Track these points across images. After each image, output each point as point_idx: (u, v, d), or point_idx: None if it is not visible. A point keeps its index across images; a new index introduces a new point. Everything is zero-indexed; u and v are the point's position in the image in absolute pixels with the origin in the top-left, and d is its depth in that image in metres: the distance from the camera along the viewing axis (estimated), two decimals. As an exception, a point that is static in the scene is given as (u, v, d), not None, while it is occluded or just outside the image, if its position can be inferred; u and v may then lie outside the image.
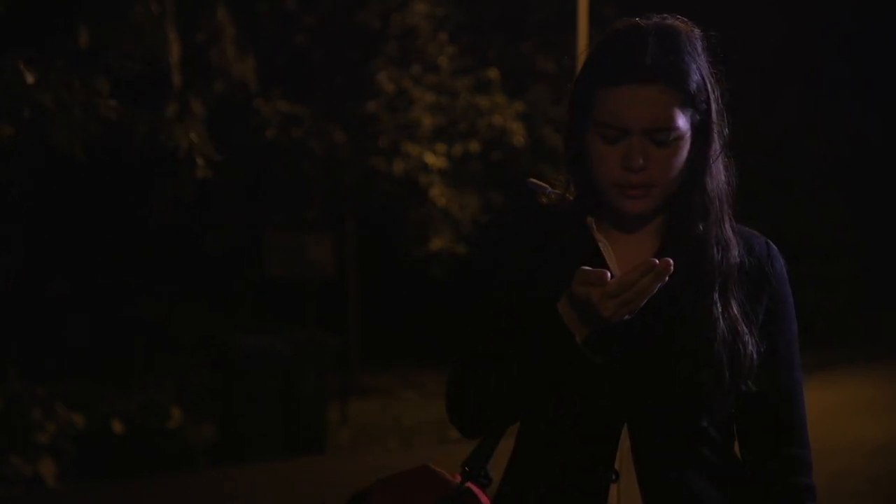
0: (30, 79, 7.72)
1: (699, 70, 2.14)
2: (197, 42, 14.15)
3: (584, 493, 2.17)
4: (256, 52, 14.85)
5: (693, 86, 2.12)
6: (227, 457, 11.57)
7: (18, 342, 12.93)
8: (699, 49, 2.16)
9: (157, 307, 15.41)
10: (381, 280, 18.04)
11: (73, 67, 8.37)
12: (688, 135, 2.14)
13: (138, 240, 15.44)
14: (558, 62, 16.20)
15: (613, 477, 2.17)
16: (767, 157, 20.72)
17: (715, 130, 2.17)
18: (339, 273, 14.76)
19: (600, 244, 2.21)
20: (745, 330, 2.17)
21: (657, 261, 1.99)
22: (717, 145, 2.18)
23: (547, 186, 2.30)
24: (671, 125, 2.10)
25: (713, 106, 2.17)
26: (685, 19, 2.20)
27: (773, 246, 2.27)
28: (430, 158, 15.42)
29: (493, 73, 15.91)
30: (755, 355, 2.17)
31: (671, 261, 1.99)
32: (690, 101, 2.12)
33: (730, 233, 2.20)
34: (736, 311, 2.17)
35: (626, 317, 2.04)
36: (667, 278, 1.99)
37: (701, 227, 2.18)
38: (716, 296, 2.16)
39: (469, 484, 2.27)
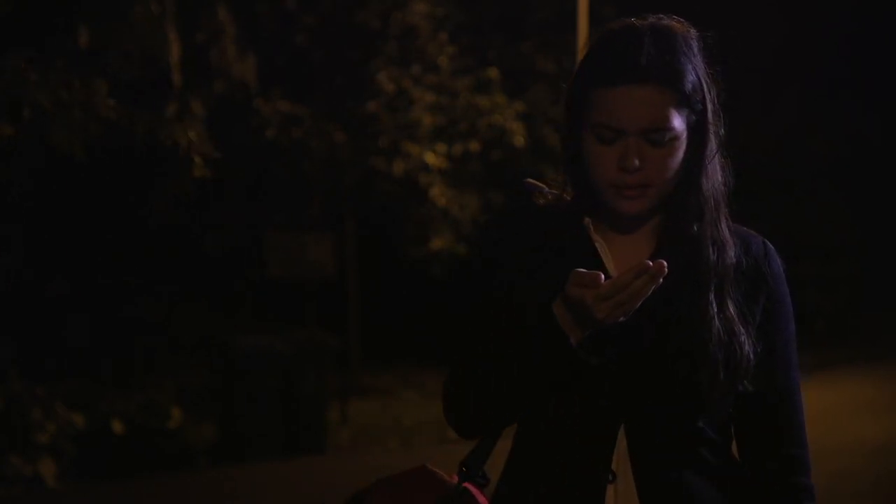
0: (29, 78, 7.72)
1: (695, 70, 2.14)
2: (197, 42, 14.15)
3: (582, 493, 2.17)
4: (256, 52, 14.85)
5: (689, 86, 2.12)
6: (227, 457, 11.57)
7: (18, 342, 12.92)
8: (695, 49, 2.16)
9: (157, 307, 15.40)
10: (381, 280, 18.04)
11: (73, 67, 8.37)
12: (684, 135, 2.14)
13: (138, 240, 15.43)
14: (558, 62, 16.19)
15: (610, 477, 2.16)
16: (767, 157, 20.70)
17: (711, 131, 2.17)
18: (339, 273, 14.77)
19: (597, 244, 2.21)
20: (742, 330, 2.16)
21: (651, 263, 1.99)
22: (713, 145, 2.18)
23: (544, 187, 2.30)
24: (667, 125, 2.10)
25: (709, 106, 2.16)
26: (681, 19, 2.20)
27: (771, 246, 2.27)
28: (431, 158, 15.42)
29: (493, 73, 15.90)
30: (752, 355, 2.17)
31: (665, 263, 1.99)
32: (686, 102, 2.12)
33: (726, 233, 2.20)
34: (732, 312, 2.17)
35: (621, 319, 2.04)
36: (661, 280, 1.99)
37: (696, 228, 2.17)
38: (712, 296, 2.16)
39: (467, 484, 2.26)
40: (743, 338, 2.16)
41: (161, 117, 9.58)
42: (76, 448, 11.13)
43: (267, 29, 16.03)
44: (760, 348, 2.19)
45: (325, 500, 8.75)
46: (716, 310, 2.15)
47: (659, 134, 2.10)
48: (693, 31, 2.19)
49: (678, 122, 2.12)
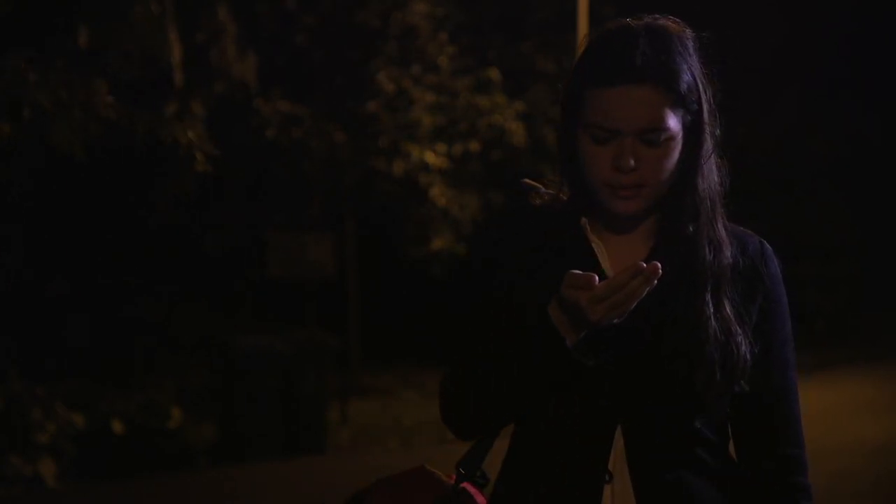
0: (29, 78, 7.72)
1: (690, 70, 2.13)
2: (197, 42, 14.15)
3: (579, 493, 2.17)
4: (256, 52, 14.85)
5: (684, 86, 2.12)
6: (227, 457, 11.57)
7: (18, 342, 12.92)
8: (690, 49, 2.16)
9: (157, 307, 15.41)
10: (381, 280, 18.04)
11: (73, 67, 8.37)
12: (679, 135, 2.13)
13: (138, 240, 15.44)
14: (558, 62, 16.19)
15: (607, 478, 2.16)
16: (767, 157, 20.71)
17: (707, 131, 2.17)
18: (339, 273, 14.76)
19: (594, 245, 2.21)
20: (739, 330, 2.16)
21: (645, 264, 1.99)
22: (708, 145, 2.18)
23: (540, 187, 2.29)
24: (662, 125, 2.10)
25: (705, 106, 2.16)
26: (677, 20, 2.20)
27: (767, 245, 2.27)
28: (431, 158, 15.43)
29: (493, 73, 15.91)
30: (748, 356, 2.17)
31: (659, 265, 1.98)
32: (681, 102, 2.12)
33: (722, 233, 2.20)
34: (729, 312, 2.16)
35: (616, 321, 2.04)
36: (655, 281, 1.99)
37: (692, 228, 2.17)
38: (708, 296, 2.16)
39: (465, 484, 2.26)
40: (739, 338, 2.16)
41: (161, 117, 9.58)
42: (76, 448, 11.13)
43: (267, 29, 16.04)
44: (757, 348, 2.19)
45: (325, 500, 8.74)
46: (712, 310, 2.15)
47: (654, 134, 2.10)
48: (689, 32, 2.18)
49: (673, 123, 2.11)
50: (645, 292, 2.00)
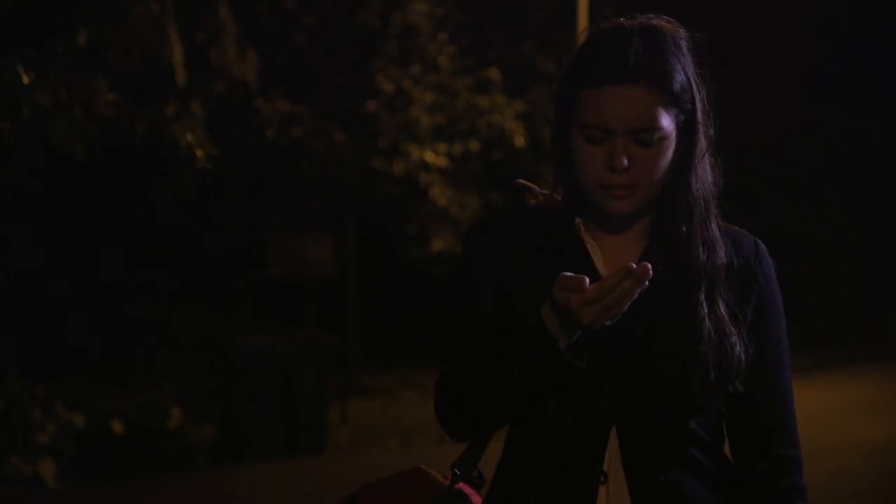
0: (29, 78, 7.72)
1: (683, 70, 2.13)
2: (197, 42, 14.14)
3: (574, 494, 2.16)
4: (256, 52, 14.85)
5: (677, 86, 2.11)
6: (227, 457, 11.57)
7: (18, 342, 12.92)
8: (684, 49, 2.15)
9: (157, 307, 15.41)
10: (381, 280, 18.04)
11: (73, 67, 8.37)
12: (672, 135, 2.13)
13: (138, 239, 15.44)
14: (558, 62, 16.18)
15: (602, 479, 2.16)
16: (767, 157, 20.72)
17: (700, 131, 2.16)
18: (339, 273, 14.76)
19: (588, 245, 2.20)
20: (733, 330, 2.16)
21: (635, 265, 1.98)
22: (702, 145, 2.17)
23: (535, 187, 2.29)
24: (655, 125, 2.10)
25: (698, 106, 2.16)
26: (671, 19, 2.19)
27: (762, 245, 2.26)
28: (431, 157, 15.43)
29: (493, 73, 15.91)
30: (743, 356, 2.16)
31: (649, 266, 1.98)
32: (675, 101, 2.12)
33: (716, 233, 2.19)
34: (723, 312, 2.16)
35: (609, 323, 2.03)
36: (647, 283, 1.99)
37: (685, 228, 2.17)
38: (702, 296, 2.15)
39: (461, 485, 2.26)
40: (734, 338, 2.16)
41: (161, 116, 9.58)
42: (76, 448, 11.13)
43: (267, 29, 16.03)
44: (752, 349, 2.18)
45: (325, 500, 8.75)
46: (706, 310, 2.15)
47: (647, 134, 2.10)
48: (683, 32, 2.18)
49: (666, 122, 2.11)
50: (637, 294, 2.00)
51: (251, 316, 16.89)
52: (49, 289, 14.47)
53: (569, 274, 2.01)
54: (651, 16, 2.18)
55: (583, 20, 13.02)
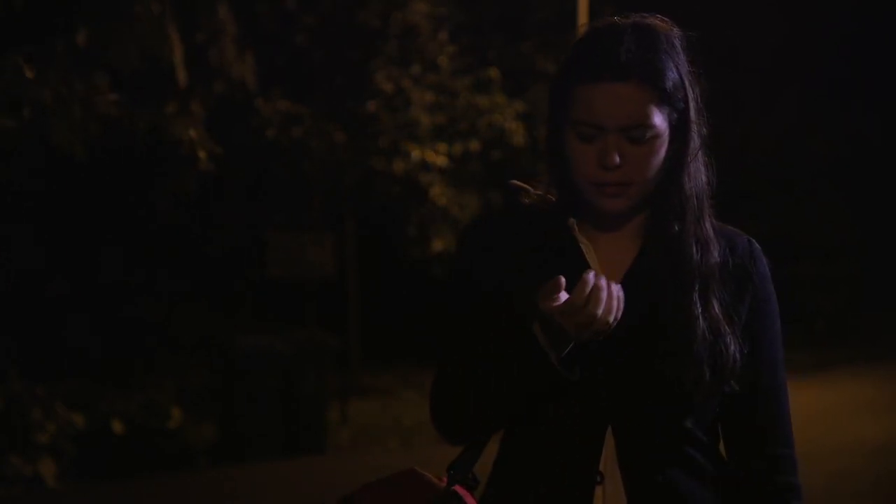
0: (29, 73, 7.72)
1: (676, 68, 2.13)
2: (197, 42, 14.14)
3: (570, 495, 2.16)
4: (256, 52, 14.84)
5: (669, 84, 2.11)
6: (227, 457, 11.57)
7: (18, 342, 12.92)
8: (678, 48, 2.15)
9: (157, 307, 15.41)
10: (381, 280, 18.04)
11: (73, 66, 8.37)
12: (665, 133, 2.13)
13: (139, 240, 15.44)
14: (558, 62, 16.14)
15: (598, 479, 2.16)
16: (767, 157, 20.71)
17: (693, 129, 2.16)
18: (339, 273, 14.76)
19: (582, 245, 2.21)
20: (728, 330, 2.16)
21: (591, 275, 1.99)
22: (695, 144, 2.17)
23: (529, 188, 2.29)
24: (647, 122, 2.10)
25: (691, 105, 2.15)
26: (665, 18, 2.19)
27: (756, 245, 2.26)
28: (431, 156, 15.43)
29: (493, 73, 15.91)
30: (738, 355, 2.16)
31: (591, 275, 1.99)
32: (667, 100, 2.12)
33: (710, 232, 2.19)
34: (717, 311, 2.16)
35: (600, 338, 2.04)
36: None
37: (678, 227, 2.17)
38: (696, 296, 2.15)
39: (457, 487, 2.25)
40: (728, 338, 2.16)
41: (161, 115, 9.58)
42: (76, 448, 11.13)
43: (267, 29, 16.03)
44: (747, 348, 2.18)
45: (325, 500, 8.75)
46: (700, 309, 2.15)
47: (639, 131, 2.10)
48: (677, 30, 2.18)
49: (659, 120, 2.11)
50: (622, 306, 2.00)
51: (251, 316, 16.89)
52: (49, 289, 14.47)
53: (548, 283, 2.01)
54: (645, 14, 2.18)
55: (583, 20, 13.02)
